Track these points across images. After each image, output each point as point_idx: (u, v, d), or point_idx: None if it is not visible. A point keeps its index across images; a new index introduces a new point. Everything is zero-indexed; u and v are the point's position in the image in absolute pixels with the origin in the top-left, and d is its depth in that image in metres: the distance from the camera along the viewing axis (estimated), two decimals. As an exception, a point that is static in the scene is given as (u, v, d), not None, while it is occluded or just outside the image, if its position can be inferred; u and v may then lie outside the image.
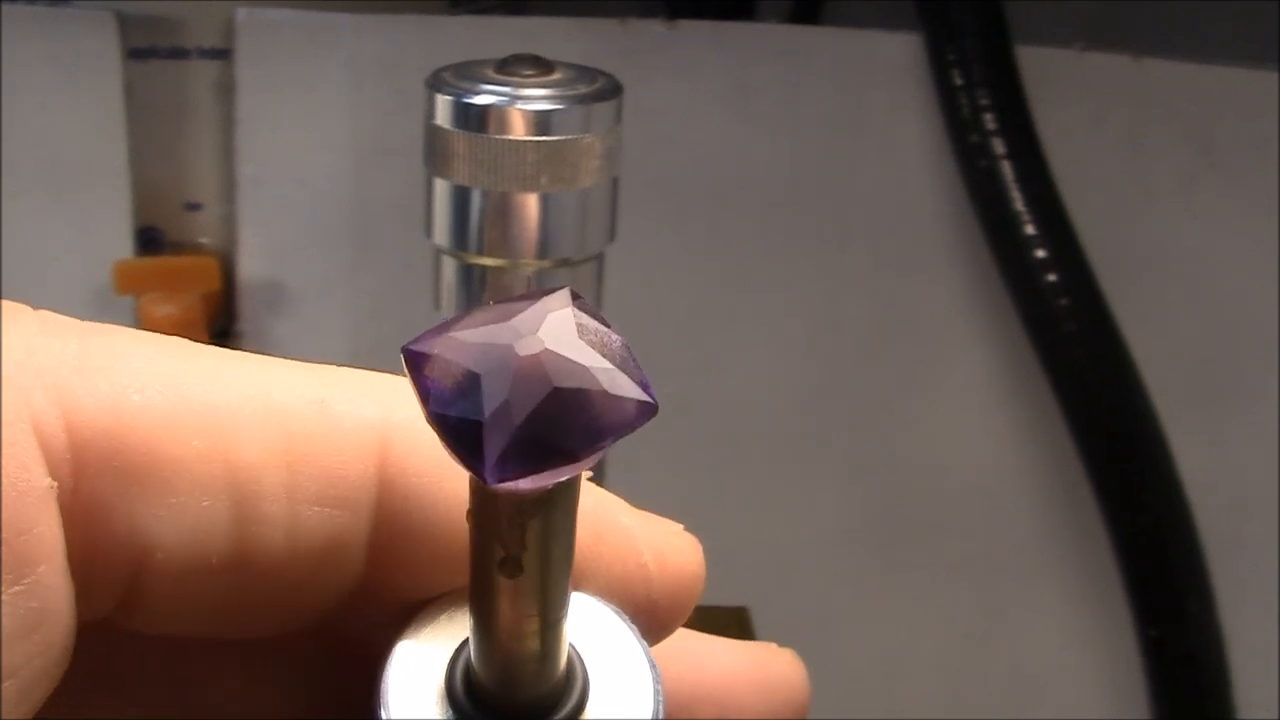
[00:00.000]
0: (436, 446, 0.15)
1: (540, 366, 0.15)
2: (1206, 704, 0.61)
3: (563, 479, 0.15)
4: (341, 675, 0.21)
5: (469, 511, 0.17)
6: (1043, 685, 0.68)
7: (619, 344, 0.15)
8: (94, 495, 0.17)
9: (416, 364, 0.15)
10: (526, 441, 0.15)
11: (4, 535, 0.16)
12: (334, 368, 0.19)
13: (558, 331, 0.15)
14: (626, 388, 0.15)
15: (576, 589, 0.20)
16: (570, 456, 0.15)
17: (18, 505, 0.16)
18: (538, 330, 0.15)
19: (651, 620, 0.21)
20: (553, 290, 0.16)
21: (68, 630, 0.17)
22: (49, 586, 0.16)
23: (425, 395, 0.15)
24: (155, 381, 0.18)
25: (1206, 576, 0.60)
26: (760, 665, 0.23)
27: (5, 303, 0.18)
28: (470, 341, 0.15)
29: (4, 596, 0.16)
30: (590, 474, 0.17)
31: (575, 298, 0.16)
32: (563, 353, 0.15)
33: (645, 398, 0.15)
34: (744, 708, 0.22)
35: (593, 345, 0.15)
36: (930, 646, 0.68)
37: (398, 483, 0.19)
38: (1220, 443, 0.63)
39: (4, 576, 0.16)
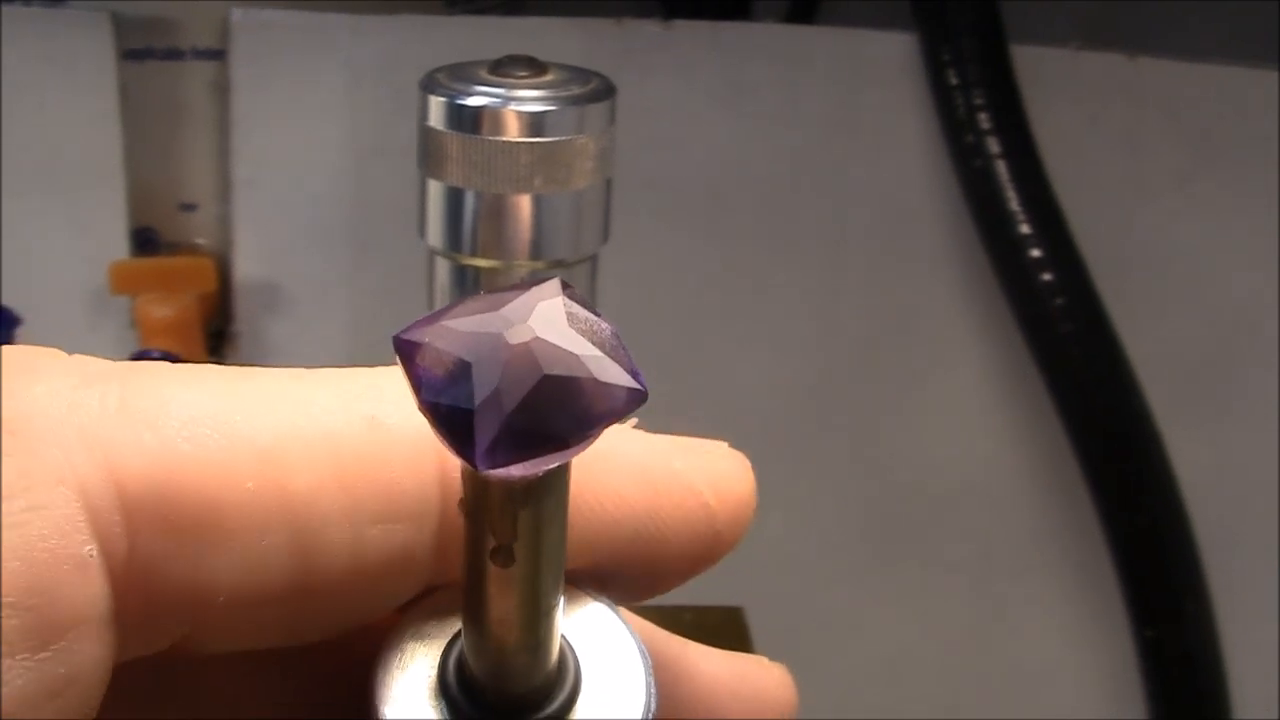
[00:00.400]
0: None
1: (530, 354, 0.15)
2: (1203, 704, 0.61)
3: (553, 466, 0.15)
4: (338, 672, 0.21)
5: (461, 501, 0.17)
6: (1039, 685, 0.68)
7: (609, 332, 0.16)
8: (150, 553, 0.17)
9: (408, 353, 0.15)
10: (517, 429, 0.15)
11: (32, 603, 0.16)
12: (376, 373, 0.19)
13: (548, 320, 0.15)
14: (616, 375, 0.15)
15: (655, 555, 0.20)
16: (561, 443, 0.15)
17: (50, 573, 0.16)
18: (528, 319, 0.15)
19: (715, 547, 0.21)
20: (543, 280, 0.16)
21: (96, 687, 0.17)
22: (78, 651, 0.16)
23: (417, 383, 0.15)
24: (202, 425, 0.17)
25: (1203, 577, 0.60)
26: (747, 679, 0.22)
27: (41, 350, 0.18)
28: (461, 330, 0.15)
29: (29, 663, 0.16)
30: (637, 420, 0.17)
31: (565, 287, 0.16)
32: (553, 340, 0.15)
33: (635, 385, 0.15)
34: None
35: (582, 333, 0.15)
36: (926, 647, 0.68)
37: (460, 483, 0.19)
38: (1217, 442, 0.63)
39: (30, 643, 0.16)
